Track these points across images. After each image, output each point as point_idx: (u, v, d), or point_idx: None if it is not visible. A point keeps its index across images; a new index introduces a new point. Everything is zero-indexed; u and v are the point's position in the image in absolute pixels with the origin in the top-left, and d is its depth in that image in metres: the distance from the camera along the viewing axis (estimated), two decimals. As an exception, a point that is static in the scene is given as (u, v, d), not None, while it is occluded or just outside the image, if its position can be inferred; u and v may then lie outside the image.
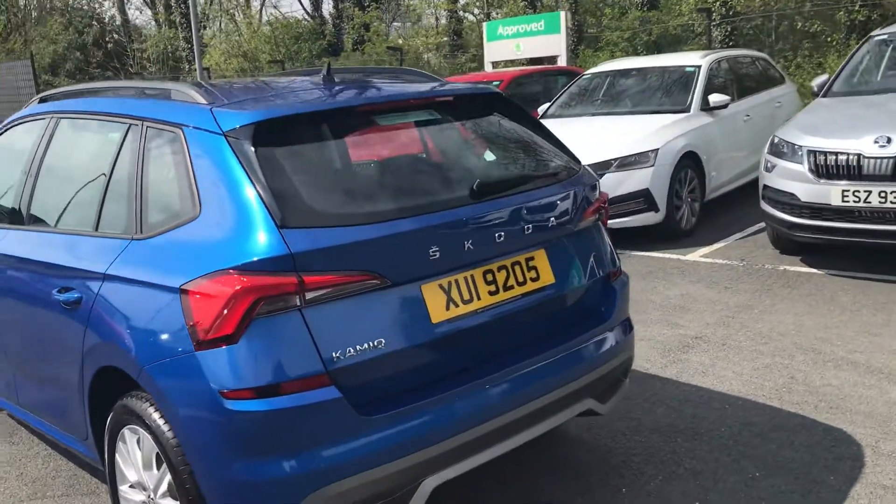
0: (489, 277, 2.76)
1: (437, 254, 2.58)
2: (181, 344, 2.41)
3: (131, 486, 2.87)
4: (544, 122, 8.73)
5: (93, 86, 3.83)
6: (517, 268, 2.85)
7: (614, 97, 8.69)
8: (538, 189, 2.97)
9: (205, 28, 25.63)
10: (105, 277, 2.81)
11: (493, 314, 2.75)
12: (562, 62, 14.96)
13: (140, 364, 2.57)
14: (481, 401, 2.65)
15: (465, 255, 2.68)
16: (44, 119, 3.63)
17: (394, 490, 2.47)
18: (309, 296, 2.36)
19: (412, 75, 3.63)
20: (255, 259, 2.33)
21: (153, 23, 33.91)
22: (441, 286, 2.63)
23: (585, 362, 3.00)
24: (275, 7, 29.46)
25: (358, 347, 2.42)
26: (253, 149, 2.52)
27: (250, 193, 2.43)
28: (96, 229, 3.01)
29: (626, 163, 7.16)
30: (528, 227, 2.86)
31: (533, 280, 2.88)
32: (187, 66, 21.34)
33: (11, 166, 3.77)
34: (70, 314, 2.93)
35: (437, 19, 24.40)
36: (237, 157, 2.51)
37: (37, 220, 3.50)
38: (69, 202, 3.36)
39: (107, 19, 35.24)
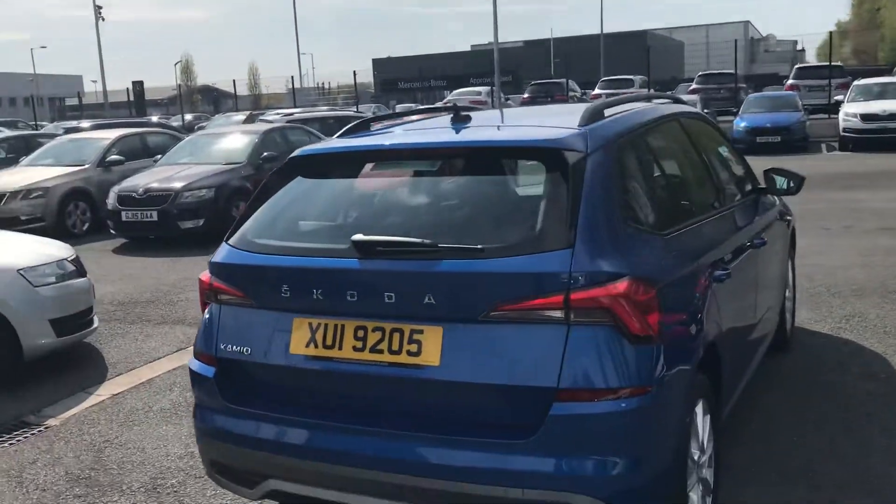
0: (359, 334, 2.79)
1: (288, 293, 2.89)
2: None
3: None
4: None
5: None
6: (396, 335, 2.73)
7: None
8: (454, 260, 2.66)
9: None
10: None
11: (353, 370, 2.80)
12: None
13: None
14: (320, 442, 2.83)
15: (326, 303, 2.83)
16: None
17: (246, 472, 3.03)
18: (219, 297, 3.11)
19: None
20: (210, 262, 3.20)
21: None
22: (310, 324, 2.87)
23: (452, 471, 2.62)
24: None
25: (234, 347, 3.04)
26: (272, 180, 3.31)
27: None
28: None
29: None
30: (422, 298, 2.66)
31: (410, 354, 2.70)
32: None
33: None
34: None
35: None
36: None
37: None
38: None
39: None
